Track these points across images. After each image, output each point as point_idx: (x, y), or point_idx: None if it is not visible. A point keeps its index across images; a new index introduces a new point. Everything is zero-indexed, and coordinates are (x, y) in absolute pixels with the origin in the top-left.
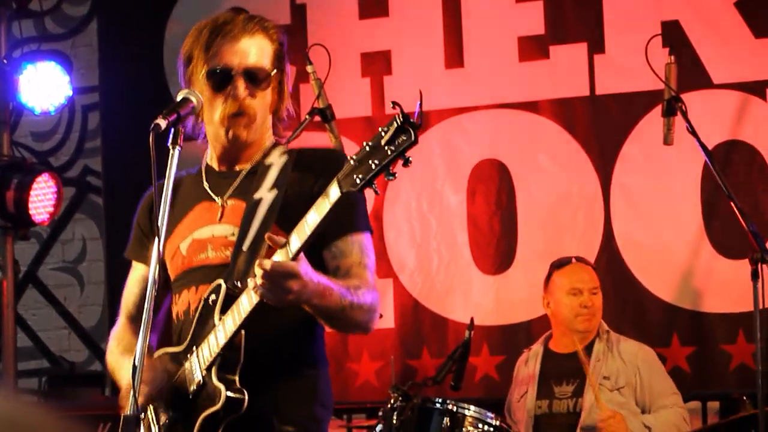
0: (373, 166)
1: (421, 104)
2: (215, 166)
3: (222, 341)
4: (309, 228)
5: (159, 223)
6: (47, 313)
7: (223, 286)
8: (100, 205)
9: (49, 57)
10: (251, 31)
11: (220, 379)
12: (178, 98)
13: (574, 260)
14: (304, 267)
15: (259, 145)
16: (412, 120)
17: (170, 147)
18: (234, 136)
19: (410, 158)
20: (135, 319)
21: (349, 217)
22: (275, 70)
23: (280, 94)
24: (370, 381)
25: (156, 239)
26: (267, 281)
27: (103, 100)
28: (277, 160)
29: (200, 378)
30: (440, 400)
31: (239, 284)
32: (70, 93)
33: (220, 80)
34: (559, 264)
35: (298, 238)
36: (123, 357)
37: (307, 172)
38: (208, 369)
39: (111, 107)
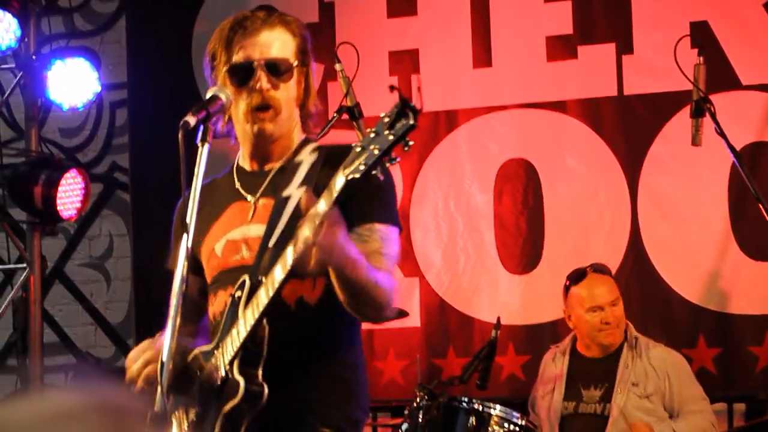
0: (375, 152)
1: (419, 88)
2: (246, 165)
3: (243, 335)
4: (318, 218)
5: (187, 220)
6: (74, 309)
7: (248, 281)
8: (127, 202)
9: (77, 53)
10: (271, 24)
11: (241, 373)
12: (207, 95)
13: (589, 271)
14: (342, 223)
15: (288, 140)
16: (411, 104)
17: (199, 144)
18: (259, 130)
19: (411, 142)
20: (182, 326)
21: (372, 207)
22: (298, 63)
23: (306, 88)
24: (396, 379)
25: (184, 235)
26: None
27: (131, 96)
28: (307, 157)
29: (224, 372)
30: (466, 400)
31: (263, 279)
32: (99, 89)
33: (242, 74)
34: (575, 278)
35: (308, 229)
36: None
37: (333, 169)
38: (231, 363)
39: (139, 104)
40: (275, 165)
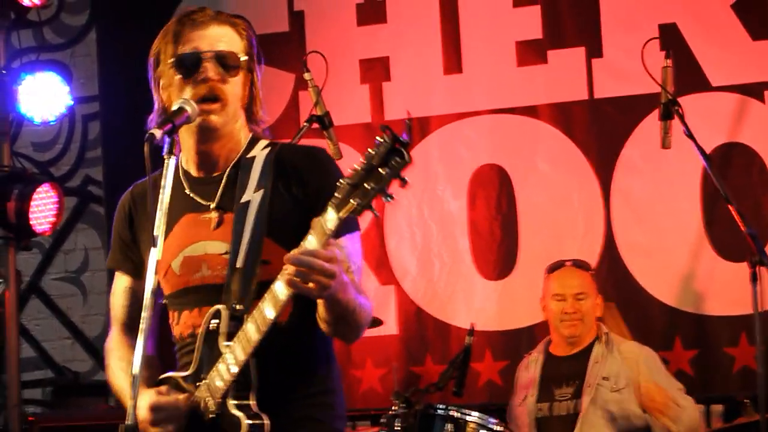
0: (369, 189)
1: (409, 122)
2: (192, 170)
3: (234, 370)
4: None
5: (155, 233)
6: (51, 324)
7: (224, 310)
8: (101, 215)
9: (48, 67)
10: (221, 21)
11: (238, 408)
12: (173, 108)
13: (567, 264)
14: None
15: (234, 142)
16: (401, 138)
17: (165, 157)
18: (205, 122)
19: (407, 178)
20: (128, 329)
21: None
22: (245, 62)
23: (251, 91)
24: (374, 388)
25: (152, 249)
26: (308, 269)
27: (103, 109)
28: (259, 154)
29: (215, 407)
30: (442, 407)
31: (238, 306)
32: (70, 103)
33: (190, 65)
34: (551, 268)
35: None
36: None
37: (292, 174)
38: (223, 398)
39: (111, 116)
40: (224, 168)
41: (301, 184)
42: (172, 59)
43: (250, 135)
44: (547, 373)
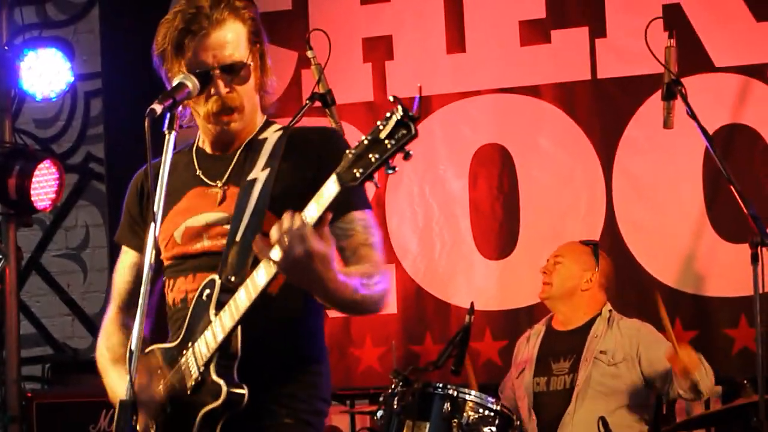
0: (373, 160)
1: (420, 97)
2: (207, 148)
3: (220, 337)
4: (309, 221)
5: (155, 208)
6: (51, 300)
7: (218, 280)
8: (103, 192)
9: (50, 43)
10: (219, 21)
11: (219, 375)
12: (174, 83)
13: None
14: (317, 243)
15: (252, 126)
16: (410, 113)
17: (166, 132)
18: (223, 130)
19: (411, 152)
20: (127, 307)
21: (348, 196)
22: (252, 53)
23: (262, 67)
24: (373, 366)
25: (152, 225)
26: (285, 236)
27: (105, 86)
28: (271, 136)
29: (198, 374)
30: (441, 385)
31: (233, 278)
32: (72, 79)
33: (200, 81)
34: None
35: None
36: (113, 366)
37: (303, 153)
38: (206, 365)
39: (113, 93)
40: (237, 148)
41: (313, 161)
42: (180, 73)
43: (265, 118)
44: (547, 347)
